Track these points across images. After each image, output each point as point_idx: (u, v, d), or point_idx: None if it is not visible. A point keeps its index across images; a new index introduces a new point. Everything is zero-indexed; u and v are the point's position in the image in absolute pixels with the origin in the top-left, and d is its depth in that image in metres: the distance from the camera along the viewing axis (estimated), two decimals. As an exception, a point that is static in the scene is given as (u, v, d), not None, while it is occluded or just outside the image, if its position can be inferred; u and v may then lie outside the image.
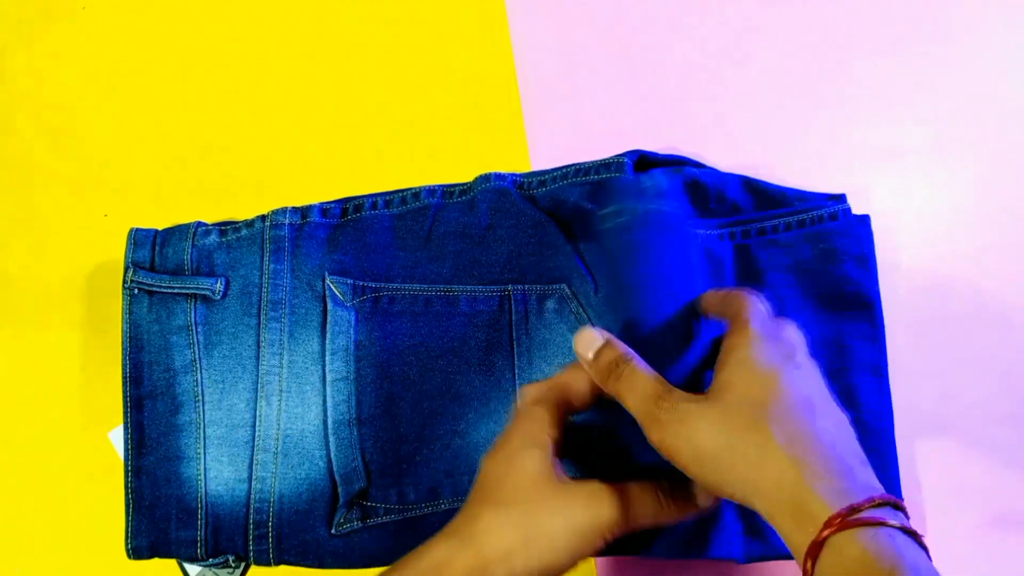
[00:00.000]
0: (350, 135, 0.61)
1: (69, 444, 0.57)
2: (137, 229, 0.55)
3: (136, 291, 0.54)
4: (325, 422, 0.53)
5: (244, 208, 0.58)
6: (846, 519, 0.34)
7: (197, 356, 0.54)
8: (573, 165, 0.54)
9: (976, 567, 0.54)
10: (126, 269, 0.54)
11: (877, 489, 0.36)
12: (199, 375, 0.54)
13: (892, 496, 0.35)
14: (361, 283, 0.54)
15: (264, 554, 0.52)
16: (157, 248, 0.55)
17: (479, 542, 0.40)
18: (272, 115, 0.61)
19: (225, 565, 0.54)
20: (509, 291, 0.54)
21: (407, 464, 0.53)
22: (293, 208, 0.55)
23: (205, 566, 0.54)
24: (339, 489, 0.52)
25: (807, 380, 0.39)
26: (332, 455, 0.52)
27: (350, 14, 0.62)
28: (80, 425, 0.57)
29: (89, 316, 0.59)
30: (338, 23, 0.62)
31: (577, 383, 0.45)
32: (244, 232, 0.55)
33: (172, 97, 0.62)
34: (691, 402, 0.40)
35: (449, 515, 0.52)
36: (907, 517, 0.36)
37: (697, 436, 0.38)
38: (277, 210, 0.55)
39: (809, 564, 0.34)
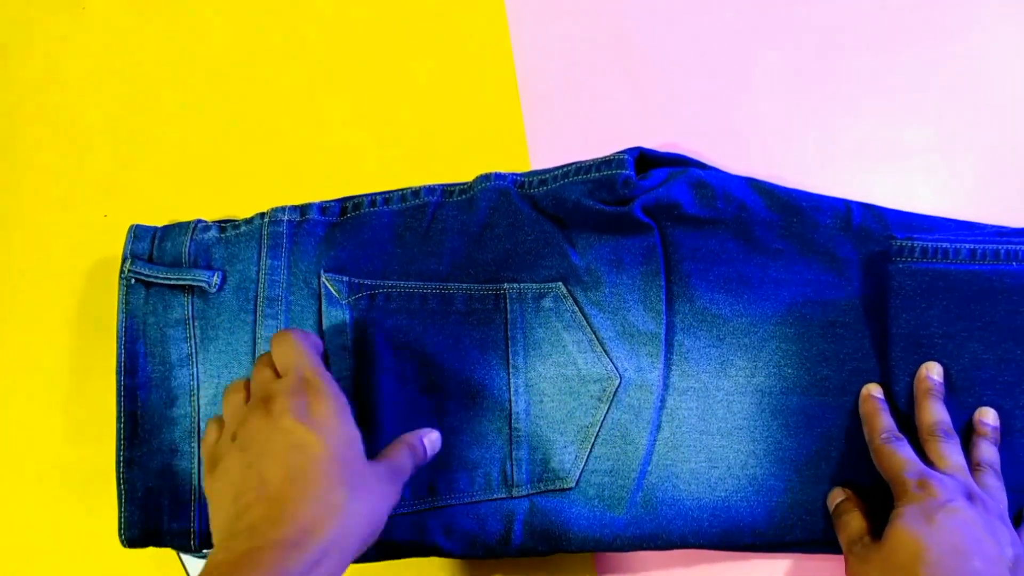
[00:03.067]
0: (350, 135, 0.61)
1: (67, 442, 0.57)
2: (137, 225, 0.55)
3: (133, 281, 0.54)
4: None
5: (244, 208, 0.58)
6: None
7: (194, 350, 0.54)
8: (574, 164, 0.54)
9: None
10: (124, 260, 0.54)
11: None
12: (195, 369, 0.54)
13: None
14: (357, 280, 0.54)
15: (258, 550, 0.52)
16: (156, 242, 0.55)
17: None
18: (273, 115, 0.61)
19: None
20: (505, 289, 0.54)
21: (401, 461, 0.53)
22: (292, 206, 0.55)
23: (201, 557, 0.54)
24: None
25: (957, 526, 0.44)
26: None
27: (350, 14, 0.62)
28: (77, 424, 0.57)
29: (88, 316, 0.59)
30: (338, 23, 0.62)
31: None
32: (243, 228, 0.55)
33: (172, 97, 0.62)
34: (871, 549, 0.46)
35: (443, 512, 0.53)
36: None
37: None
38: (276, 208, 0.55)
39: None
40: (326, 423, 0.42)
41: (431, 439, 0.49)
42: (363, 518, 0.41)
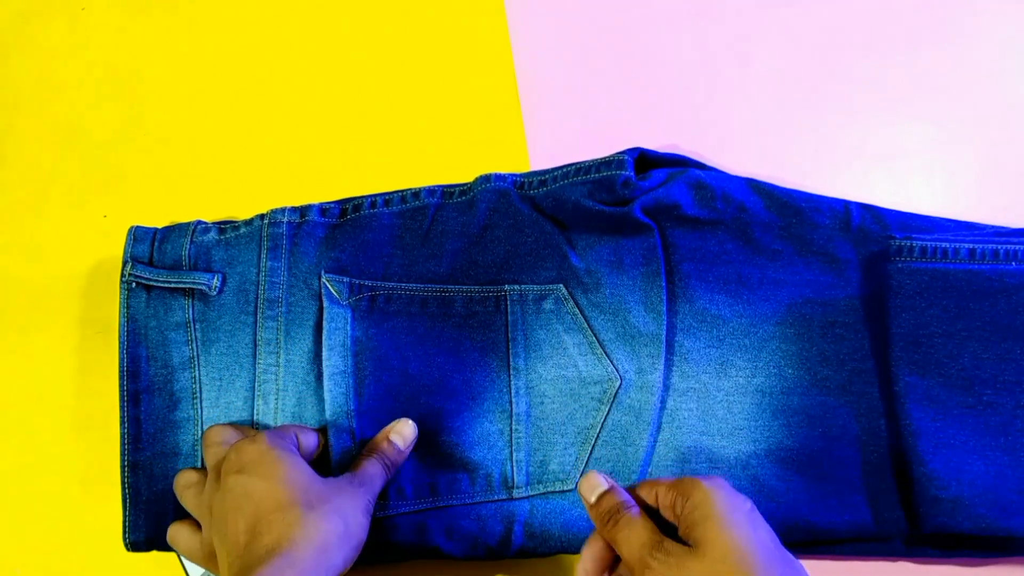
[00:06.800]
0: (350, 135, 0.61)
1: (67, 444, 0.57)
2: (137, 226, 0.55)
3: (134, 285, 0.54)
4: (322, 420, 0.53)
5: (244, 209, 0.58)
6: None
7: (195, 353, 0.54)
8: (573, 164, 0.54)
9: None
10: (124, 263, 0.54)
11: None
12: (197, 372, 0.54)
13: None
14: (358, 281, 0.54)
15: (261, 551, 0.52)
16: (156, 244, 0.55)
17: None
18: (272, 115, 0.61)
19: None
20: (505, 291, 0.54)
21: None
22: (292, 207, 0.55)
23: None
24: None
25: (763, 523, 0.42)
26: (330, 447, 0.52)
27: (350, 14, 0.62)
28: (78, 425, 0.57)
29: (88, 317, 0.59)
30: (338, 23, 0.62)
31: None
32: (243, 230, 0.55)
33: (172, 98, 0.62)
34: (680, 556, 0.41)
35: (444, 513, 0.53)
36: None
37: None
38: (276, 209, 0.55)
39: None
40: (265, 467, 0.46)
41: (400, 431, 0.52)
42: (331, 524, 0.44)
